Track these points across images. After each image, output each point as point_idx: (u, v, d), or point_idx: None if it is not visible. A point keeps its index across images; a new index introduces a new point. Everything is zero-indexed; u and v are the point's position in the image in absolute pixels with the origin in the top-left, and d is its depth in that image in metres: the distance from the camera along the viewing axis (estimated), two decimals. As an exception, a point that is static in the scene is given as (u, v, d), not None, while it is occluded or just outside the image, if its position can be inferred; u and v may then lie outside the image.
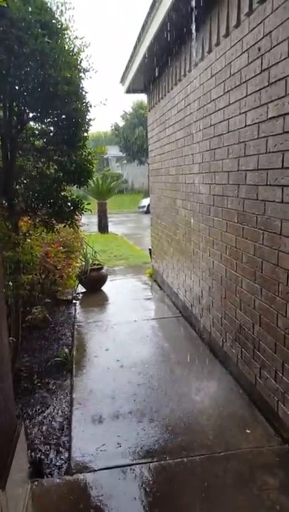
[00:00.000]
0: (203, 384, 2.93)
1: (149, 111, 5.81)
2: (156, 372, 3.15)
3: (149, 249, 6.89)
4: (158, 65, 4.36)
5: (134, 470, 2.08)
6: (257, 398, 2.59)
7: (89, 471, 2.09)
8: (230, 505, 1.83)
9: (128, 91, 5.76)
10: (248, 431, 2.36)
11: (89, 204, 3.37)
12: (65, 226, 3.33)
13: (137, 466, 2.11)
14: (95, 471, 2.10)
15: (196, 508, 1.83)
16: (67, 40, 2.60)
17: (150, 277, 6.35)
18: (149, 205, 6.85)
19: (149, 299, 5.31)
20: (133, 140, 24.47)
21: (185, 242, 4.19)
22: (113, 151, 30.13)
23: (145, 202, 19.09)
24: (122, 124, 25.83)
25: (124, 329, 4.12)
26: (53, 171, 3.18)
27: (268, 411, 2.44)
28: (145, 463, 2.13)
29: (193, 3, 2.57)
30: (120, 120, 26.19)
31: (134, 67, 4.77)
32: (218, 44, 2.79)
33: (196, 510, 1.82)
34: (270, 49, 2.08)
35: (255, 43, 2.24)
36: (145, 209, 19.12)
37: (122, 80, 5.66)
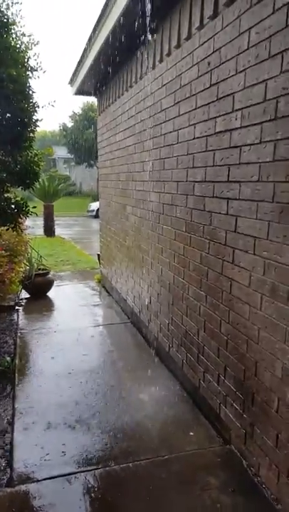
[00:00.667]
0: (149, 389, 2.96)
1: (99, 115, 5.80)
2: (103, 380, 3.12)
3: (98, 255, 6.83)
4: (109, 69, 4.37)
5: (78, 478, 2.04)
6: (200, 401, 2.67)
7: (32, 482, 2.02)
8: (174, 506, 1.87)
9: (77, 93, 5.68)
10: (192, 433, 2.42)
11: (34, 207, 3.27)
12: (8, 229, 3.20)
13: (82, 473, 2.07)
14: (38, 481, 2.03)
15: (141, 510, 1.84)
16: (14, 36, 2.51)
17: (99, 283, 6.29)
18: (98, 209, 6.80)
19: (97, 305, 5.26)
20: (82, 142, 24.15)
21: (134, 248, 4.22)
22: (61, 152, 29.48)
23: (94, 206, 18.92)
24: (71, 125, 25.38)
25: (71, 336, 4.03)
26: (-5, 172, 3.05)
27: (210, 413, 2.52)
28: (90, 470, 2.10)
29: (147, 10, 2.62)
30: (69, 121, 25.73)
31: (84, 70, 4.73)
32: (169, 54, 2.87)
33: (140, 516, 1.82)
34: (219, 65, 2.19)
35: (205, 58, 2.34)
36: (94, 213, 18.95)
37: (72, 82, 5.58)
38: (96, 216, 17.48)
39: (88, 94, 5.88)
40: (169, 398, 2.84)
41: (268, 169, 1.82)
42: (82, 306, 5.12)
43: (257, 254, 1.94)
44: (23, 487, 1.98)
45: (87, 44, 4.14)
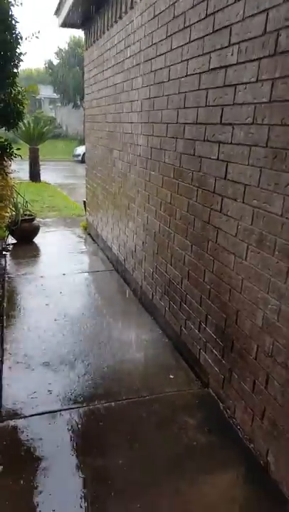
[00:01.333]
0: (132, 334, 3.03)
1: (86, 49, 5.32)
2: (88, 325, 3.17)
3: (84, 202, 6.66)
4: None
5: (63, 415, 2.13)
6: (181, 347, 2.76)
7: (20, 418, 2.11)
8: (153, 443, 1.98)
9: (64, 25, 5.15)
10: (172, 376, 2.52)
11: (19, 149, 3.08)
12: (-10, 171, 3.02)
13: (67, 411, 2.16)
14: (25, 417, 2.12)
15: (122, 447, 1.95)
16: None
17: (84, 230, 6.20)
18: (84, 153, 6.49)
19: (82, 252, 5.22)
20: (69, 81, 22.55)
21: (121, 196, 4.10)
22: (46, 92, 27.56)
23: (80, 150, 18.15)
24: (57, 62, 23.52)
25: (57, 282, 4.03)
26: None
27: (190, 358, 2.62)
28: (75, 408, 2.19)
29: None
30: (55, 57, 23.82)
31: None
32: (163, -21, 2.56)
33: (121, 449, 1.93)
34: (217, -8, 1.96)
35: (203, -17, 2.08)
36: (80, 158, 18.24)
37: (57, 12, 5.03)
38: (82, 161, 16.82)
39: (75, 26, 5.34)
40: (151, 343, 2.92)
41: (264, 111, 1.70)
42: (68, 253, 5.08)
43: (246, 203, 1.88)
44: (11, 422, 2.07)
45: None
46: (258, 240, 1.80)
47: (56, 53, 23.71)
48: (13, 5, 2.36)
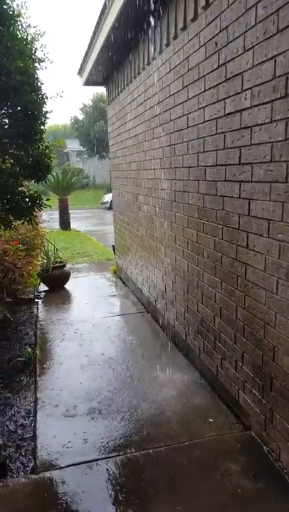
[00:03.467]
0: (167, 377, 2.97)
1: (109, 104, 5.75)
2: (122, 369, 3.14)
3: (113, 246, 6.85)
4: (116, 57, 4.31)
5: (99, 465, 2.07)
6: (219, 388, 2.66)
7: (55, 469, 2.07)
8: (195, 491, 1.88)
9: (86, 83, 5.64)
10: (211, 420, 2.42)
11: (48, 200, 3.29)
12: (23, 223, 3.23)
13: (104, 460, 2.10)
14: (61, 468, 2.07)
15: (162, 496, 1.86)
16: (20, 27, 2.50)
17: (114, 274, 6.32)
18: (111, 200, 6.79)
19: (113, 295, 5.29)
20: (93, 134, 24.15)
21: (148, 238, 4.21)
22: (73, 145, 29.52)
23: (108, 198, 18.96)
24: (82, 117, 25.38)
25: (89, 326, 4.08)
26: (9, 165, 3.07)
27: (229, 400, 2.51)
28: (112, 457, 2.13)
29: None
30: (80, 113, 25.74)
31: (92, 59, 4.68)
32: (175, 37, 2.80)
33: (162, 498, 1.84)
34: (227, 44, 2.12)
35: (212, 38, 2.27)
36: (108, 205, 19.00)
37: (80, 72, 5.54)
38: (110, 208, 17.49)
39: (97, 84, 5.82)
40: (187, 386, 2.84)
41: (280, 149, 1.76)
42: (99, 297, 5.17)
43: (271, 237, 1.90)
44: (47, 474, 2.03)
45: (93, 33, 4.09)
46: (287, 273, 1.79)
47: (81, 109, 25.63)
48: (38, 69, 2.65)
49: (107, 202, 19.25)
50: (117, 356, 3.37)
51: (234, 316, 2.36)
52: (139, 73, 3.89)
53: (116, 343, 3.70)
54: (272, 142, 1.82)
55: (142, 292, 4.63)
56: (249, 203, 2.08)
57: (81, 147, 26.78)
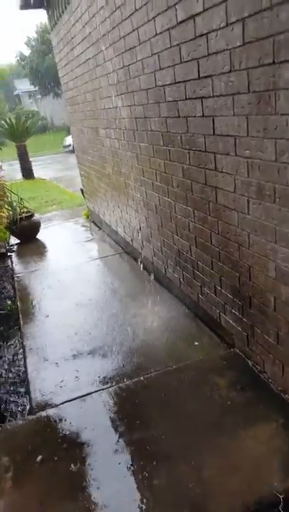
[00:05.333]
0: (151, 309, 3.05)
1: (52, 30, 5.13)
2: (107, 308, 3.20)
3: (81, 189, 6.60)
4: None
5: (93, 397, 2.17)
6: (201, 314, 2.76)
7: (51, 407, 2.16)
8: (188, 408, 2.01)
9: (24, 6, 4.95)
10: (196, 343, 2.54)
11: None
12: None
13: (98, 392, 2.20)
14: (57, 405, 2.16)
15: (158, 415, 1.99)
16: None
17: (87, 219, 6.18)
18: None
19: (89, 240, 5.22)
20: (43, 70, 22.04)
21: (115, 175, 4.04)
22: (23, 85, 26.98)
23: (70, 140, 17.90)
24: (28, 52, 22.96)
25: (69, 273, 4.06)
26: None
27: (212, 323, 2.62)
28: (105, 388, 2.23)
29: None
30: (26, 48, 23.25)
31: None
32: None
33: (157, 418, 1.97)
34: None
35: None
36: (71, 148, 17.97)
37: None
38: (73, 151, 16.62)
39: (36, 6, 5.12)
40: (171, 316, 2.93)
41: (240, 55, 1.61)
42: (74, 243, 5.09)
43: (239, 155, 1.82)
44: (43, 413, 2.12)
45: None
46: (258, 191, 1.75)
47: (26, 43, 23.10)
48: None
49: (70, 145, 18.22)
50: (102, 298, 3.41)
51: (209, 243, 2.35)
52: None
53: (98, 285, 3.73)
54: (230, 49, 1.66)
55: (118, 233, 4.57)
56: (213, 121, 1.96)
57: (32, 86, 24.55)
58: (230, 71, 1.71)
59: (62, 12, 4.25)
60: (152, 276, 3.58)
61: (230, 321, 2.34)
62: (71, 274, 4.02)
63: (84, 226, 5.89)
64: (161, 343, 2.61)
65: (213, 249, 2.33)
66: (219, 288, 2.39)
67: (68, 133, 20.18)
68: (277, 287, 1.79)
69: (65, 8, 4.08)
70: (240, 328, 2.26)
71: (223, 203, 2.07)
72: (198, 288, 2.70)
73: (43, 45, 22.05)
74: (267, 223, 1.74)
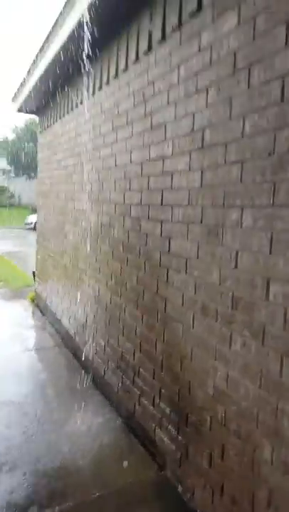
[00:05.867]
0: (81, 417, 2.84)
1: (41, 133, 5.74)
2: (30, 409, 2.92)
3: (33, 272, 6.57)
4: (51, 91, 4.38)
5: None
6: (136, 427, 2.62)
7: None
8: None
9: (20, 110, 5.63)
10: (126, 464, 2.32)
11: None
12: None
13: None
14: None
15: None
16: None
17: (32, 302, 6.02)
18: (36, 222, 6.61)
19: (29, 327, 5.01)
20: (23, 155, 23.84)
21: (72, 267, 4.14)
22: (-1, 164, 28.42)
23: (32, 218, 18.37)
24: (12, 137, 24.98)
25: (-1, 363, 3.77)
26: None
27: (146, 439, 2.49)
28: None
29: (88, 39, 2.69)
30: (11, 133, 25.37)
31: (27, 90, 4.69)
32: (108, 83, 2.96)
33: None
34: (153, 96, 2.30)
35: (140, 89, 2.45)
36: (32, 225, 18.38)
37: (14, 99, 5.50)
38: (34, 229, 16.87)
39: (31, 112, 5.83)
40: (102, 427, 2.74)
41: (197, 194, 1.92)
42: (12, 326, 4.83)
43: (188, 274, 2.01)
44: None
45: (31, 65, 4.12)
46: (202, 308, 1.90)
47: (12, 129, 25.23)
48: None
49: (32, 223, 18.61)
50: (29, 397, 3.13)
51: (154, 351, 2.40)
52: (72, 109, 3.98)
53: (27, 382, 3.44)
54: (190, 188, 1.98)
55: (61, 323, 4.47)
56: (169, 241, 2.20)
57: (7, 166, 26.00)
58: (188, 204, 2.01)
59: (53, 123, 4.83)
60: (90, 377, 3.43)
61: (165, 439, 2.25)
62: (1, 364, 3.73)
63: (27, 310, 5.69)
64: (86, 461, 2.35)
65: (156, 358, 2.36)
66: (158, 400, 2.35)
67: (32, 211, 20.76)
68: (214, 406, 1.82)
69: (57, 120, 4.66)
70: (174, 447, 2.17)
71: (171, 314, 2.19)
72: (136, 397, 2.63)
73: (27, 134, 24.17)
74: (209, 340, 1.86)
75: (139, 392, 2.59)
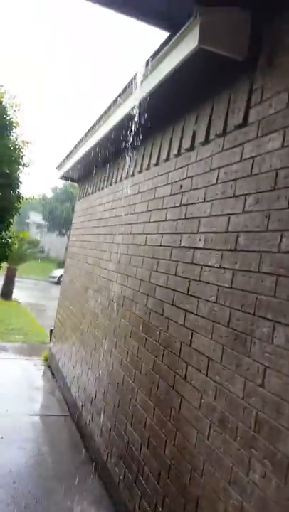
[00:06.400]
0: (75, 509, 2.59)
1: (79, 200, 6.06)
2: (27, 489, 2.72)
3: (50, 330, 6.52)
4: (94, 165, 4.67)
5: None
6: (133, 532, 2.35)
7: None
8: None
9: (62, 178, 6.06)
10: None
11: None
12: None
13: None
14: None
15: None
16: (14, 136, 2.70)
17: (45, 361, 5.90)
18: (60, 276, 6.71)
19: (38, 388, 4.85)
20: (58, 213, 25.28)
21: (89, 334, 4.07)
22: (35, 217, 30.09)
23: (57, 272, 18.77)
24: (51, 195, 26.69)
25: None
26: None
27: None
28: None
29: (134, 129, 2.90)
30: (50, 191, 27.25)
31: (72, 162, 5.05)
32: (148, 168, 3.12)
33: None
34: (190, 190, 2.38)
35: (179, 180, 2.54)
36: (56, 279, 18.75)
37: (59, 168, 5.94)
38: (57, 283, 17.18)
39: (72, 180, 6.32)
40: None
41: (226, 294, 1.88)
42: (19, 386, 4.69)
43: (209, 376, 1.90)
44: None
45: (78, 142, 4.47)
46: (220, 420, 1.76)
47: (52, 189, 27.06)
48: (21, 171, 2.82)
49: (56, 277, 19.01)
50: (26, 472, 2.94)
51: (162, 451, 2.21)
52: (111, 184, 4.20)
53: (28, 453, 3.25)
54: (219, 285, 1.94)
55: (70, 391, 4.30)
56: (192, 334, 2.12)
57: (43, 221, 27.52)
58: (215, 302, 1.96)
59: (92, 193, 5.09)
60: (91, 459, 3.20)
61: None
62: (2, 426, 3.56)
63: (39, 369, 5.56)
64: None
65: (164, 460, 2.17)
66: (160, 508, 2.11)
67: (58, 265, 21.29)
68: (223, 538, 1.60)
69: (95, 191, 4.91)
70: None
71: (186, 415, 2.04)
72: (137, 498, 2.38)
73: (64, 195, 25.78)
74: (224, 457, 1.69)
75: (140, 493, 2.35)
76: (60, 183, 28.31)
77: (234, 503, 1.58)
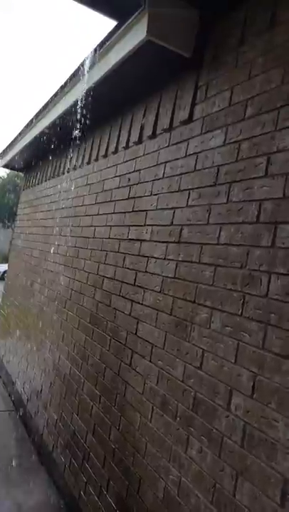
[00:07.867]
0: (20, 498, 2.58)
1: (24, 190, 5.86)
2: None
3: (-6, 325, 6.27)
4: (40, 154, 4.55)
5: None
6: (78, 518, 2.40)
7: None
8: None
9: (6, 166, 5.80)
10: None
11: None
12: None
13: None
14: None
15: None
16: None
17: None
18: (5, 271, 6.44)
19: (-20, 384, 4.67)
20: (3, 205, 24.10)
21: (34, 329, 4.00)
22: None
23: (1, 268, 17.95)
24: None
25: None
26: None
27: (87, 535, 2.27)
28: None
29: (82, 118, 2.88)
30: None
31: (16, 150, 4.87)
32: (97, 160, 3.13)
33: None
34: (138, 183, 2.44)
35: (127, 173, 2.60)
36: (0, 274, 17.91)
37: (1, 156, 5.68)
38: (1, 278, 16.47)
39: (16, 170, 6.05)
40: (42, 510, 2.50)
41: (169, 284, 1.97)
42: None
43: (153, 362, 1.99)
44: None
45: (22, 129, 4.32)
46: (162, 403, 1.86)
47: None
48: None
49: (0, 272, 18.16)
50: None
51: (107, 436, 2.27)
52: (58, 175, 4.13)
53: None
54: (163, 276, 2.04)
55: (15, 386, 4.20)
56: (137, 323, 2.20)
57: None
58: (159, 291, 2.05)
59: (37, 184, 4.96)
60: (36, 451, 3.18)
61: (107, 540, 2.06)
62: None
63: (-19, 366, 5.34)
64: None
65: (109, 445, 2.23)
66: (105, 492, 2.18)
67: (2, 260, 20.33)
68: (162, 511, 1.71)
69: (41, 182, 4.79)
70: None
71: (130, 400, 2.12)
72: (82, 483, 2.43)
73: (8, 185, 24.54)
74: (165, 438, 1.79)
75: (86, 479, 2.40)
76: (4, 172, 26.93)
77: (174, 479, 1.69)
